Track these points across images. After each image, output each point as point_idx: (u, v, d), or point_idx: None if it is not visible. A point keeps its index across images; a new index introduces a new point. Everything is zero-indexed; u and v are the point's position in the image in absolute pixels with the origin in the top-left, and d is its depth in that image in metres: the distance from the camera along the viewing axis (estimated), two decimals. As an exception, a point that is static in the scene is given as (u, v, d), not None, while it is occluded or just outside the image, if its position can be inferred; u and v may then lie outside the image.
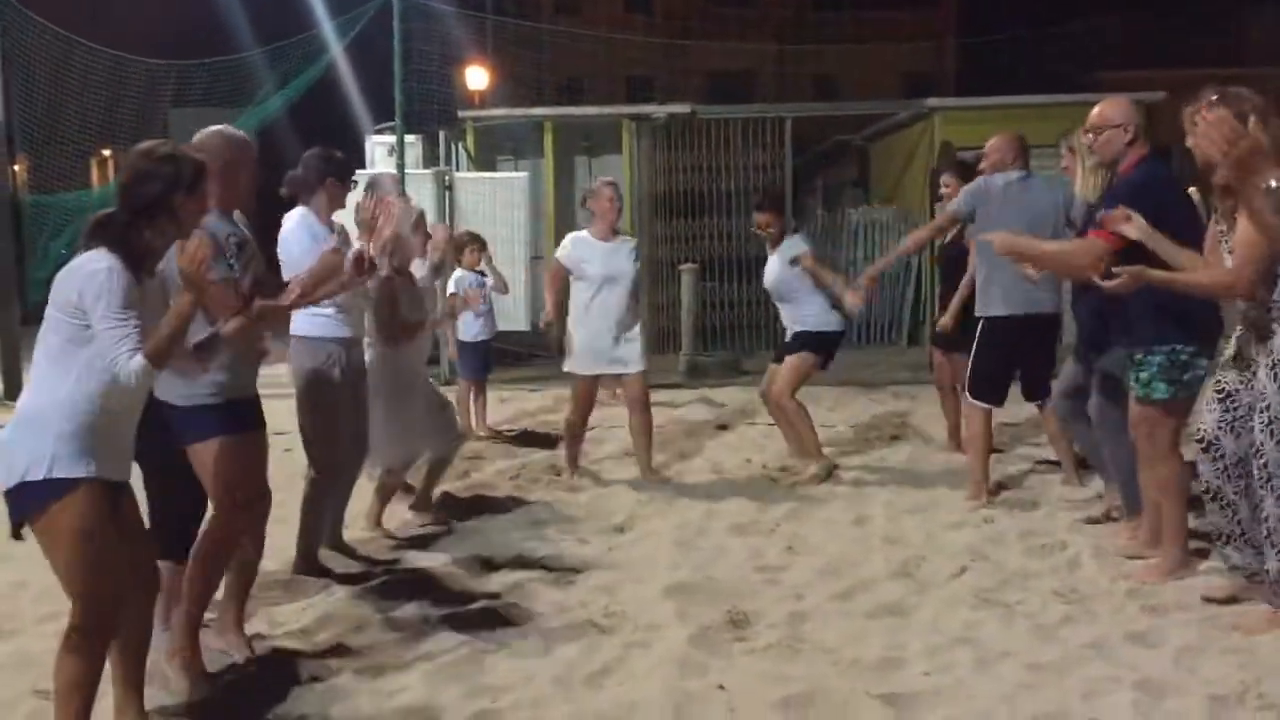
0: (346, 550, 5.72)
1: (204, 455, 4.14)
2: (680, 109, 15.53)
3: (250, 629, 4.62)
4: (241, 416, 4.23)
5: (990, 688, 3.96)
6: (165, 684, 4.00)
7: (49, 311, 3.34)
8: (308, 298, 4.32)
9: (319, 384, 5.29)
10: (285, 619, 4.80)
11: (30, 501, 3.28)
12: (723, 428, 9.35)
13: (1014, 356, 6.51)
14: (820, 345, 7.26)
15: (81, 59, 13.44)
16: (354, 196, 5.50)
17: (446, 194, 13.43)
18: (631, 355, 7.20)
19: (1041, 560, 5.45)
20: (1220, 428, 4.46)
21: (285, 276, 4.95)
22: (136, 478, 3.70)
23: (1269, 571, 4.33)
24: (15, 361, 11.18)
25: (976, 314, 6.52)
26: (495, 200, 13.57)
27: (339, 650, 4.44)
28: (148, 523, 3.87)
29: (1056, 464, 7.13)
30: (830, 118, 19.44)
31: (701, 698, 3.92)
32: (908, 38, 31.59)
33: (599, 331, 7.13)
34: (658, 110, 15.56)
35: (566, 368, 7.35)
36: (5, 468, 3.29)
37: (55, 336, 3.32)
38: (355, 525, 6.05)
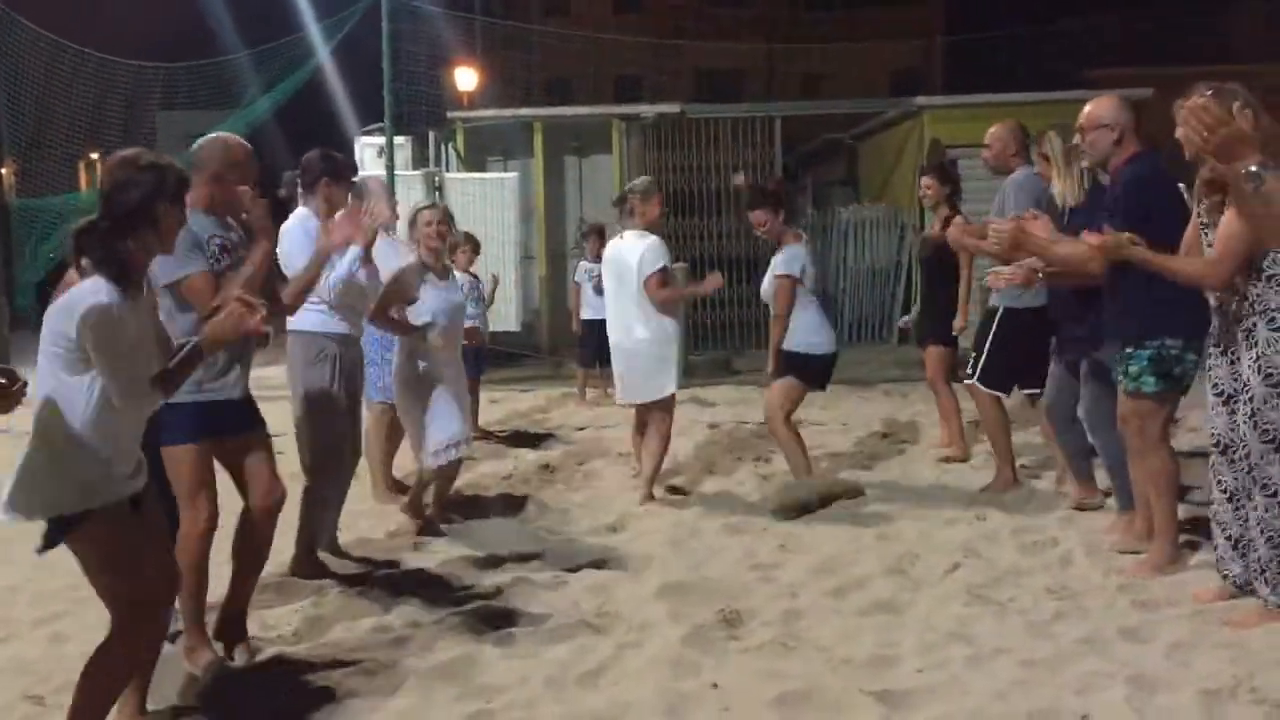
0: (341, 552, 5.72)
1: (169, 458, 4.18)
2: (669, 108, 15.55)
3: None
4: (219, 419, 4.24)
5: (983, 684, 3.96)
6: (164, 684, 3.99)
7: (43, 346, 3.29)
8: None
9: (314, 378, 5.29)
10: (278, 621, 4.79)
11: (54, 533, 3.31)
12: (714, 426, 9.35)
13: (1038, 346, 6.39)
14: (804, 368, 6.68)
15: (69, 62, 13.42)
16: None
17: (436, 195, 13.42)
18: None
19: (1034, 557, 5.46)
20: (1232, 429, 4.47)
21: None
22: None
23: (1259, 559, 4.35)
24: (4, 363, 11.12)
25: (994, 304, 6.52)
26: (485, 201, 13.57)
27: (332, 652, 4.43)
28: None
29: (1043, 454, 7.19)
30: (819, 116, 19.48)
31: (695, 697, 3.93)
32: (896, 36, 31.63)
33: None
34: (647, 110, 15.58)
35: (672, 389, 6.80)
36: (26, 506, 3.29)
37: (52, 369, 3.27)
38: (353, 528, 6.04)
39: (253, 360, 4.48)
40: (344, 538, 5.88)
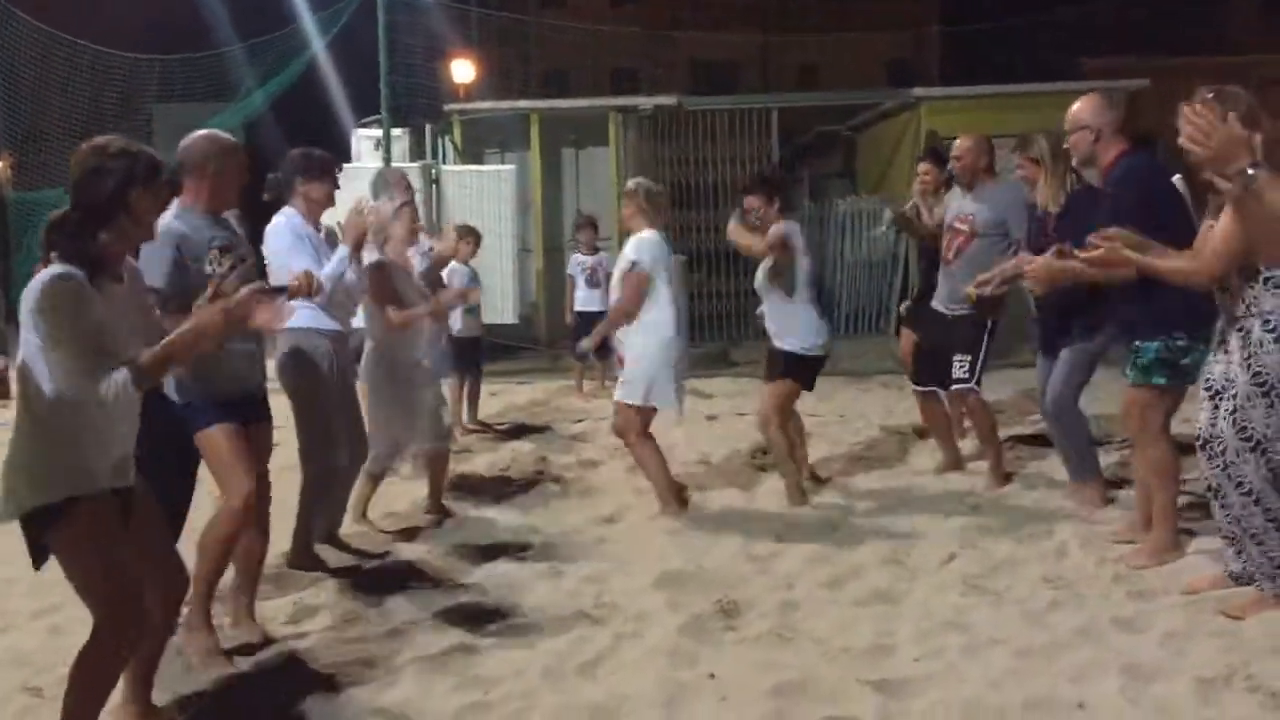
0: (340, 544, 5.73)
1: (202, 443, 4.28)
2: (666, 100, 15.52)
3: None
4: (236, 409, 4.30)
5: (979, 673, 3.98)
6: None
7: (23, 334, 3.23)
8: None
9: (305, 376, 5.29)
10: (276, 613, 4.80)
11: (38, 528, 3.28)
12: (712, 418, 9.36)
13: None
14: (801, 369, 6.47)
15: (65, 54, 13.39)
16: (345, 194, 5.48)
17: (433, 187, 13.41)
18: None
19: (1029, 547, 5.48)
20: (1213, 424, 4.49)
21: (271, 274, 4.97)
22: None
23: (1249, 555, 4.37)
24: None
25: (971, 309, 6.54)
26: (482, 193, 13.55)
27: (329, 643, 4.45)
28: None
29: (1035, 443, 7.29)
30: (816, 108, 19.45)
31: (693, 687, 3.94)
32: (891, 26, 31.63)
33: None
34: (644, 102, 15.54)
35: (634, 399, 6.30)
36: (14, 501, 3.27)
37: (30, 356, 3.22)
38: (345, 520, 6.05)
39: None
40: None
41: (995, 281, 6.16)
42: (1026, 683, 3.89)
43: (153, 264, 3.95)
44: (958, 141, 6.78)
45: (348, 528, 5.99)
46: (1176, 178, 5.73)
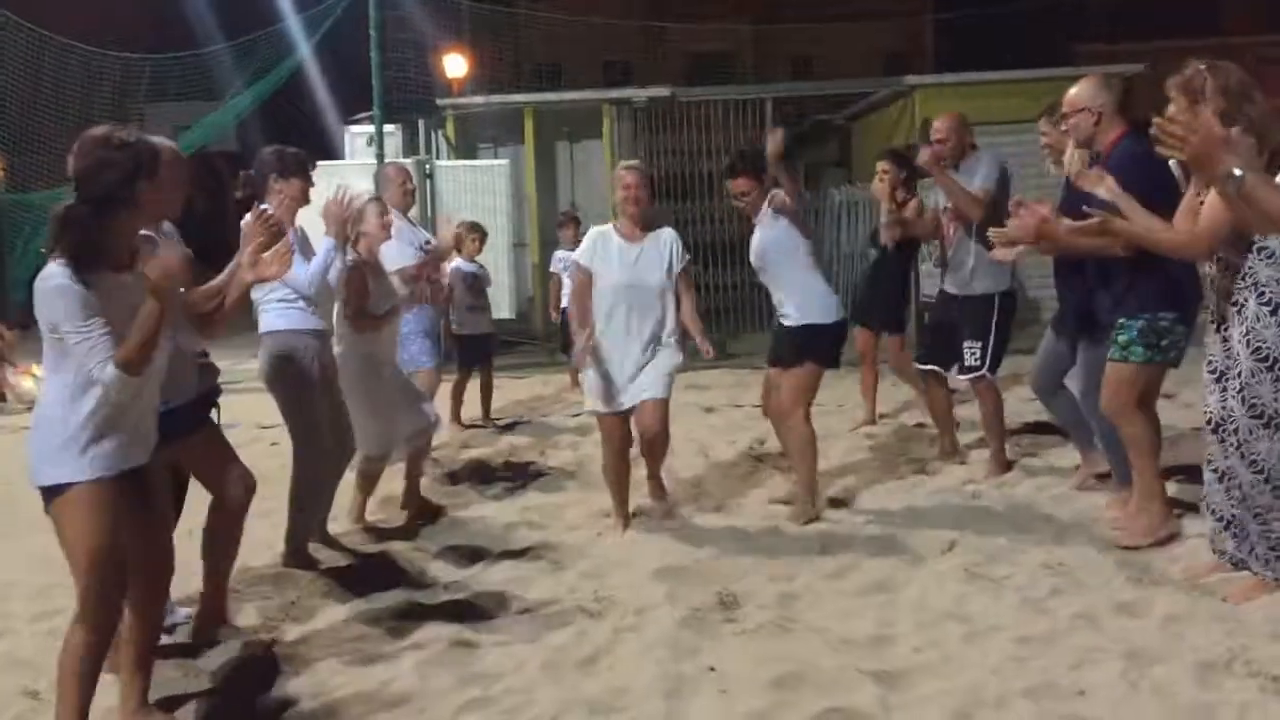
0: (333, 543, 5.71)
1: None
2: (660, 92, 15.49)
3: (240, 623, 4.63)
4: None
5: (980, 661, 3.98)
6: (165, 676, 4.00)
7: (41, 328, 3.38)
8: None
9: (293, 377, 5.26)
10: (274, 612, 4.79)
11: (45, 501, 3.39)
12: (709, 410, 9.35)
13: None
14: (825, 346, 5.96)
15: (56, 55, 13.35)
16: (321, 191, 5.43)
17: (427, 183, 13.39)
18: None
19: (1028, 533, 5.47)
20: (1223, 405, 4.48)
21: None
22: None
23: (1250, 535, 4.36)
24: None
25: (984, 291, 6.52)
26: (476, 188, 13.54)
27: (328, 641, 4.44)
28: None
29: (1036, 432, 7.29)
30: (811, 98, 19.44)
31: (693, 680, 3.93)
32: (886, 15, 31.55)
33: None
34: (638, 94, 15.52)
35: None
36: (31, 471, 3.41)
37: (47, 347, 3.37)
38: (340, 519, 6.04)
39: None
40: (334, 528, 5.89)
41: (1012, 253, 5.96)
42: (1027, 669, 3.88)
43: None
44: (936, 124, 6.79)
45: (346, 528, 5.97)
46: (1172, 161, 5.72)
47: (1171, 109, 3.97)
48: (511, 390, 10.81)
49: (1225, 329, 4.39)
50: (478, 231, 9.16)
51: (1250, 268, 4.22)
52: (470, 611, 4.71)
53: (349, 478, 5.94)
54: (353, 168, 12.38)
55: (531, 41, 22.97)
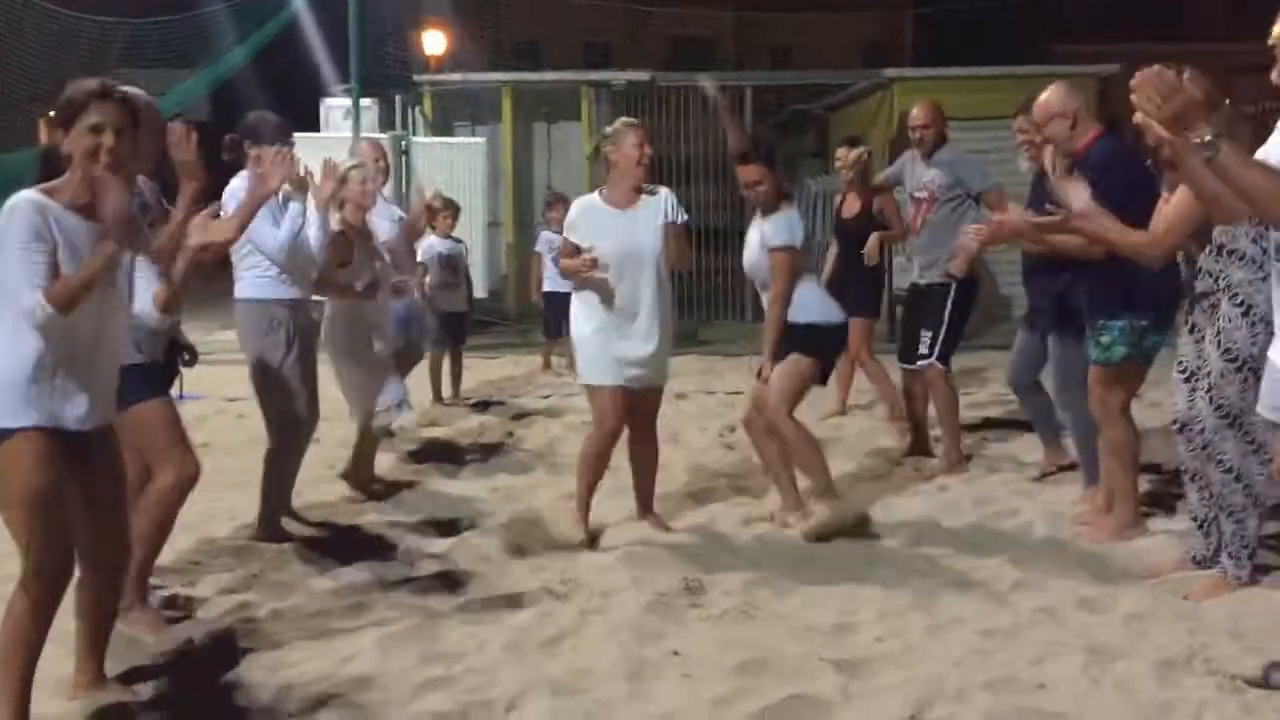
0: (296, 516, 5.67)
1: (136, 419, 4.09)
2: (640, 76, 15.44)
3: (200, 594, 4.59)
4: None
5: (942, 653, 3.99)
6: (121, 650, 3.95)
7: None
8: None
9: (267, 346, 5.23)
10: (236, 585, 4.75)
11: None
12: (680, 396, 9.34)
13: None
14: (815, 342, 5.54)
15: (31, 18, 13.17)
16: (312, 163, 5.38)
17: (403, 159, 13.30)
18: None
19: (994, 527, 5.50)
20: (1190, 405, 4.50)
21: None
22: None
23: (1223, 534, 4.40)
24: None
25: (940, 279, 6.54)
26: (452, 166, 13.45)
27: (290, 617, 4.40)
28: None
29: (1004, 427, 7.35)
30: (789, 87, 19.38)
31: (656, 663, 3.93)
32: (867, 7, 31.59)
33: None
34: (617, 77, 15.47)
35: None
36: None
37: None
38: (312, 490, 6.00)
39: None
40: (303, 499, 5.84)
41: (961, 262, 6.23)
42: (988, 662, 3.90)
43: None
44: (914, 112, 6.85)
45: (322, 497, 5.93)
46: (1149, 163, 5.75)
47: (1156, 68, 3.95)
48: (482, 370, 10.76)
49: (1199, 331, 4.41)
50: (451, 208, 9.08)
51: (1222, 269, 4.25)
52: (434, 590, 4.69)
53: (313, 453, 5.89)
54: (329, 140, 12.26)
55: (511, 19, 22.83)
